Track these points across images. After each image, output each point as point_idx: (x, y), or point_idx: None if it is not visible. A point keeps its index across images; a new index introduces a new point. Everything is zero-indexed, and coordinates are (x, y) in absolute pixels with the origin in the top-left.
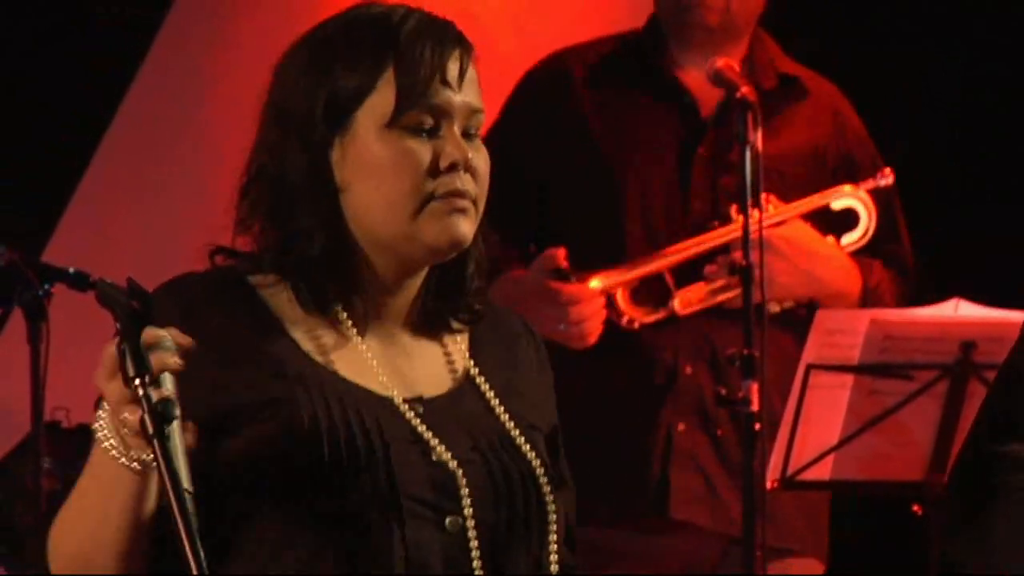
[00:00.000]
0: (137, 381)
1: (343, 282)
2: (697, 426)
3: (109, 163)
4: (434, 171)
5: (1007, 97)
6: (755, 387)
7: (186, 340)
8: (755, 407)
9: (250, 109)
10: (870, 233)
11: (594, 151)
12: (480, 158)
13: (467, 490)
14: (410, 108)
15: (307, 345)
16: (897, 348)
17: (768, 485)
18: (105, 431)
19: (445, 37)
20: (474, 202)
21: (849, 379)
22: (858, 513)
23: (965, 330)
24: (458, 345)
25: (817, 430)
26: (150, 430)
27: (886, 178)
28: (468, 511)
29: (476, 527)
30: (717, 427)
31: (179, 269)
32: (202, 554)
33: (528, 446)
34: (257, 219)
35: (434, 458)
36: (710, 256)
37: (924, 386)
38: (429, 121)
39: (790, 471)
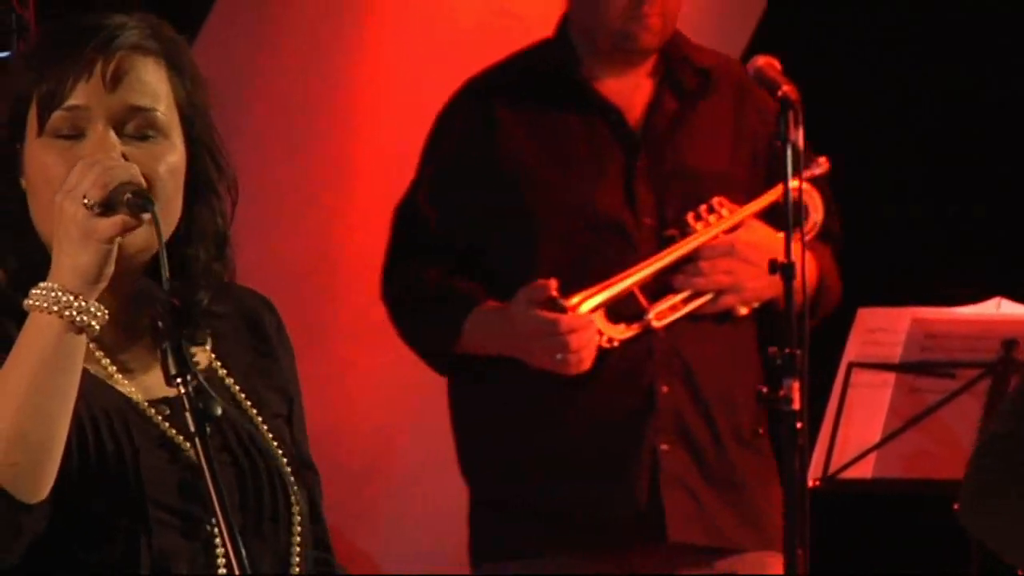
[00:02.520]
0: (179, 380)
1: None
2: (680, 445)
3: None
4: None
5: None
6: (796, 385)
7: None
8: (796, 406)
9: (290, 109)
10: (820, 223)
11: (530, 177)
12: (149, 156)
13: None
14: (47, 115)
15: None
16: (939, 346)
17: (809, 484)
18: (42, 298)
19: (104, 40)
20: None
21: (890, 377)
22: (898, 511)
23: (1007, 328)
24: (198, 345)
25: (858, 429)
26: (192, 428)
27: (822, 167)
28: (215, 516)
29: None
30: (699, 443)
31: None
32: (243, 553)
33: (276, 442)
34: None
35: (182, 458)
36: (674, 268)
37: (966, 384)
38: (70, 126)
39: (831, 470)
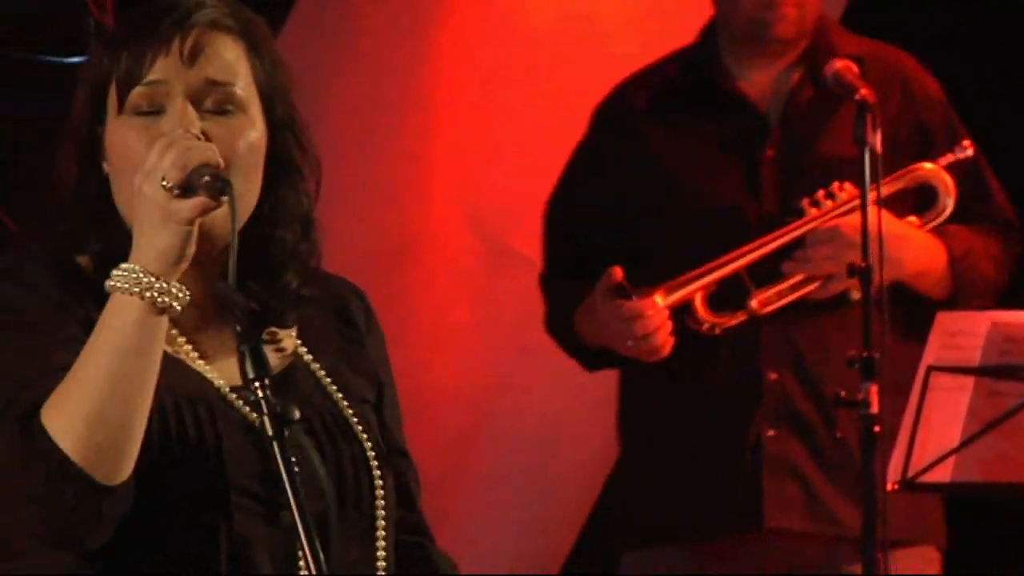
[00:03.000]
0: (257, 384)
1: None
2: (789, 431)
3: None
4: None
5: None
6: (874, 389)
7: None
8: (875, 409)
9: (368, 109)
10: (948, 209)
11: (664, 180)
12: (228, 132)
13: (299, 478)
14: (126, 92)
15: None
16: (1018, 350)
17: (888, 487)
18: (124, 279)
19: (181, 16)
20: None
21: (969, 381)
22: (983, 509)
23: None
24: (286, 328)
25: (937, 432)
26: (270, 432)
27: (965, 151)
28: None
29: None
30: (814, 432)
31: None
32: (321, 555)
33: (361, 427)
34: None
35: (267, 447)
36: (785, 253)
37: None
38: (149, 102)
39: (910, 473)
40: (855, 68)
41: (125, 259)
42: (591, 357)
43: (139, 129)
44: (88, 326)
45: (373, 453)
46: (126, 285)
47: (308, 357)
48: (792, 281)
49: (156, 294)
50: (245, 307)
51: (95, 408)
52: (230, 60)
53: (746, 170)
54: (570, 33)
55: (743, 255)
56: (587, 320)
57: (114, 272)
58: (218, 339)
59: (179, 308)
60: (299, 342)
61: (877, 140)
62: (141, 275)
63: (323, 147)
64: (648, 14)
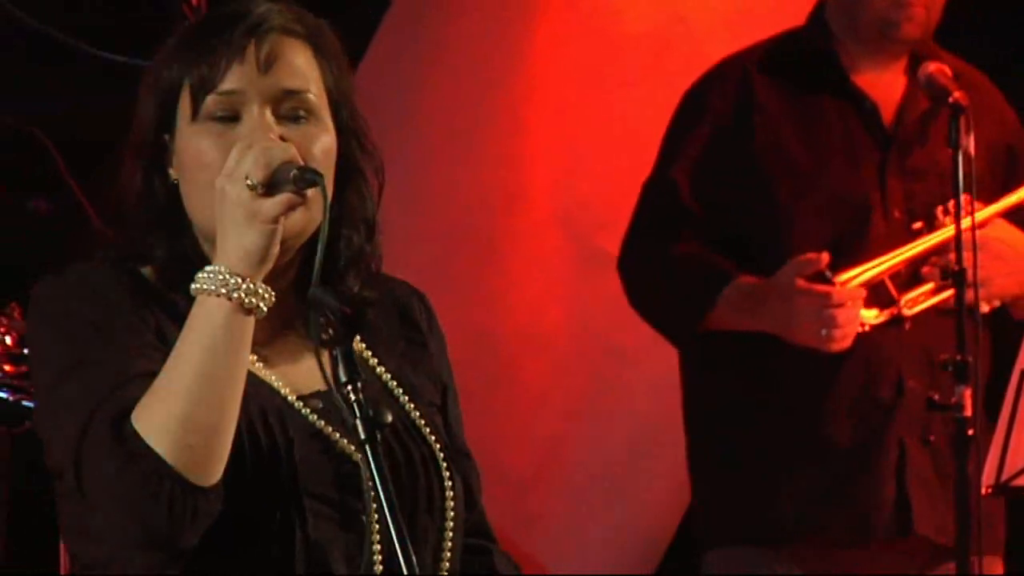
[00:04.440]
0: (349, 387)
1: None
2: (921, 441)
3: None
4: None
5: None
6: (968, 392)
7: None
8: (968, 412)
9: (460, 115)
10: None
11: (787, 165)
12: (303, 138)
13: (370, 483)
14: (201, 99)
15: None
16: None
17: (983, 491)
18: (209, 281)
19: (253, 23)
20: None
21: None
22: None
23: None
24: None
25: None
26: (362, 435)
27: None
28: (372, 506)
29: (378, 522)
30: (936, 440)
31: (389, 270)
32: (414, 558)
33: (428, 429)
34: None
35: (337, 451)
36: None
37: None
38: (225, 109)
39: (1004, 477)
40: (948, 71)
41: (191, 267)
42: (695, 336)
43: (215, 135)
44: (160, 336)
45: (442, 455)
46: (212, 287)
47: (373, 360)
48: (932, 286)
49: (243, 295)
50: (338, 311)
51: (187, 409)
52: (302, 67)
53: (876, 171)
54: (663, 35)
55: (902, 254)
56: (747, 301)
57: (199, 275)
58: (281, 347)
59: (265, 309)
60: (363, 345)
61: (970, 143)
62: (227, 276)
63: (415, 149)
64: (741, 16)
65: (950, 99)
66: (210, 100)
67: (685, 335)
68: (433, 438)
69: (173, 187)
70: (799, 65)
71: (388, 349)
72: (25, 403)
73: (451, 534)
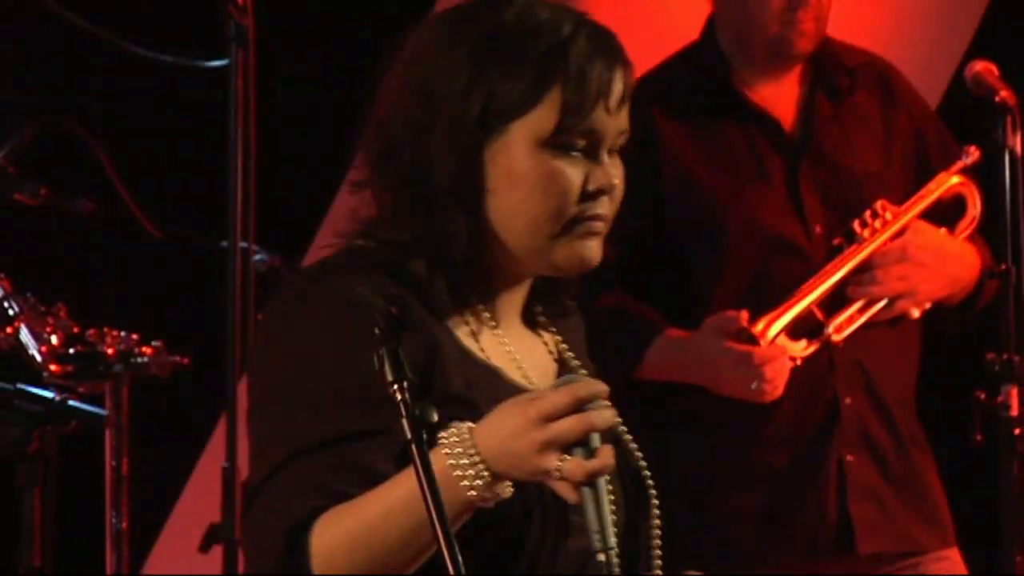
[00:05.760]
0: (395, 387)
1: (485, 280)
2: (865, 454)
3: None
4: (582, 195)
5: None
6: (1014, 391)
7: (603, 388)
8: (1014, 412)
9: None
10: (979, 216)
11: (697, 190)
12: (619, 177)
13: (612, 497)
14: (570, 132)
15: (466, 341)
16: None
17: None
18: (461, 456)
19: (614, 58)
20: (607, 223)
21: None
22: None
23: None
24: (551, 335)
25: None
26: (408, 435)
27: (972, 156)
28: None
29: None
30: (882, 449)
31: None
32: (460, 558)
33: (630, 436)
34: (389, 198)
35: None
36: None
37: None
38: (582, 143)
39: None
40: (995, 70)
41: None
42: (631, 384)
43: (572, 163)
44: (429, 351)
45: (644, 464)
46: (460, 463)
47: (576, 363)
48: (860, 304)
49: (477, 492)
50: (385, 311)
51: (368, 561)
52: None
53: (791, 188)
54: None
55: (819, 285)
56: (674, 356)
57: (452, 430)
58: (519, 341)
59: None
60: (565, 346)
61: (1017, 143)
62: (480, 464)
63: None
64: None
65: (996, 98)
66: (574, 134)
67: (623, 384)
68: (635, 447)
69: (479, 191)
70: (694, 91)
71: (584, 359)
72: (71, 403)
73: (657, 541)
